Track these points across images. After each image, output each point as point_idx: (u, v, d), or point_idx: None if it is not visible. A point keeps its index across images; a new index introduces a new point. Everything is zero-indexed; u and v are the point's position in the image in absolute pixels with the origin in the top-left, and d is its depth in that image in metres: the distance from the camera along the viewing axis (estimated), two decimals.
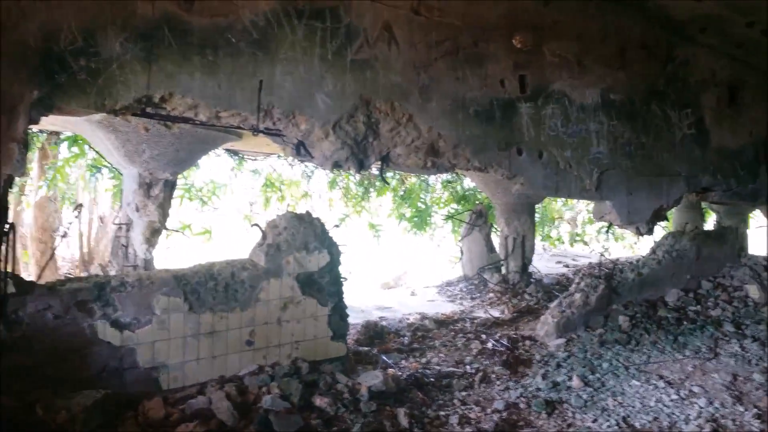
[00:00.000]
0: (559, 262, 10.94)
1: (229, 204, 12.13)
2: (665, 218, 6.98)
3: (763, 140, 7.81)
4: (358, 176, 11.30)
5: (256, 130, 4.50)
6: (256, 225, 4.71)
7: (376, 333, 5.81)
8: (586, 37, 6.08)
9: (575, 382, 4.77)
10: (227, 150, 9.46)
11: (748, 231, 8.91)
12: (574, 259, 11.31)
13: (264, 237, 4.52)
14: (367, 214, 12.44)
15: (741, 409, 4.35)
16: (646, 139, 6.52)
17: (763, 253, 8.75)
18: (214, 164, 10.53)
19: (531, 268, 9.18)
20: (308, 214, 4.68)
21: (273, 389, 3.75)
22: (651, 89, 6.63)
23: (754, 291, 7.26)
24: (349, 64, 4.72)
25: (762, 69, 7.48)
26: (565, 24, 5.94)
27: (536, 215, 11.79)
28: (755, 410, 4.32)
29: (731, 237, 8.31)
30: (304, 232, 4.52)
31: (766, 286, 7.41)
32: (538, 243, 12.76)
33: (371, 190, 11.91)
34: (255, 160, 10.86)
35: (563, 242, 14.68)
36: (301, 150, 4.69)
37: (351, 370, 4.48)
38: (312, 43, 4.54)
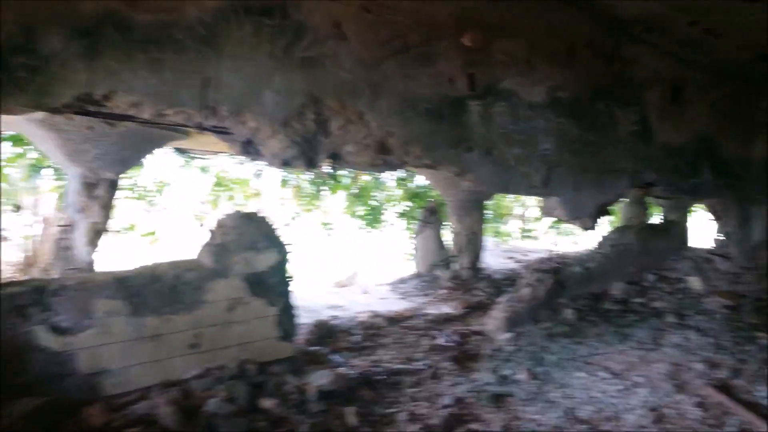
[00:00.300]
0: (510, 258, 11.05)
1: (178, 203, 11.92)
2: (609, 213, 7.14)
3: (705, 137, 8.04)
4: (310, 174, 11.23)
5: (202, 128, 4.43)
6: (204, 225, 4.65)
7: (327, 332, 5.78)
8: (534, 36, 6.14)
9: (523, 375, 4.86)
10: (176, 149, 9.29)
11: (689, 224, 9.18)
12: (524, 255, 11.44)
13: (212, 237, 4.47)
14: (319, 213, 12.39)
15: (682, 397, 4.49)
16: (592, 136, 6.64)
17: (705, 246, 9.07)
18: (162, 163, 10.27)
19: (482, 264, 9.29)
20: (256, 213, 4.65)
21: (219, 392, 3.71)
22: (597, 87, 6.73)
23: (695, 282, 7.50)
24: (298, 61, 4.66)
25: (705, 67, 7.69)
26: (513, 23, 5.99)
27: (488, 211, 11.93)
28: (696, 398, 4.47)
29: (674, 230, 8.58)
30: (252, 232, 4.49)
31: (708, 278, 7.67)
32: (490, 239, 12.93)
33: (323, 188, 11.86)
34: (204, 158, 10.69)
35: (514, 238, 14.93)
36: (250, 148, 4.64)
37: (300, 371, 4.45)
38: (260, 40, 4.47)
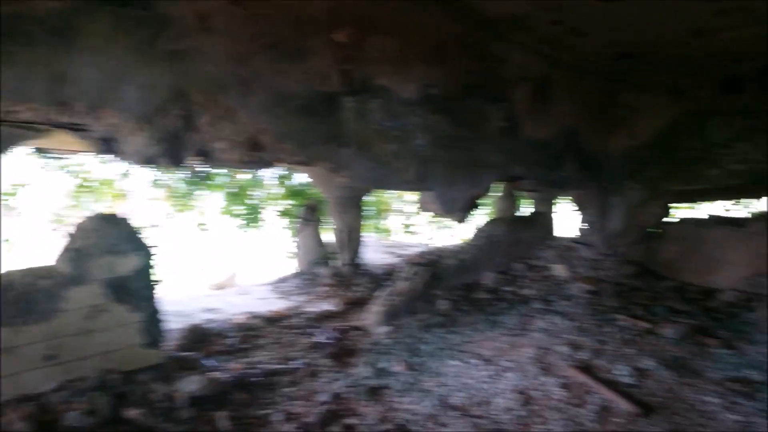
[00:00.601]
0: (391, 253, 11.22)
1: (36, 207, 11.05)
2: (478, 206, 7.37)
3: (569, 132, 8.51)
4: (184, 173, 10.81)
5: (55, 125, 4.14)
6: (61, 229, 4.36)
7: (200, 336, 5.58)
8: (407, 33, 6.21)
9: (399, 367, 4.95)
10: (35, 148, 8.61)
11: (555, 215, 9.69)
12: (404, 249, 11.64)
13: (70, 241, 4.19)
14: (195, 213, 11.94)
15: (548, 379, 4.74)
16: (463, 131, 6.83)
17: (569, 235, 9.63)
18: (18, 164, 9.39)
19: (363, 260, 9.37)
20: (118, 215, 4.40)
21: (79, 405, 3.49)
22: (468, 84, 6.92)
23: (560, 270, 7.94)
24: (162, 54, 4.45)
25: (569, 65, 8.11)
26: (386, 20, 6.03)
27: (369, 208, 12.03)
28: (560, 380, 4.73)
29: (541, 221, 9.05)
30: (113, 235, 4.25)
31: (572, 265, 8.15)
32: (371, 235, 13.07)
33: (198, 187, 11.45)
34: (66, 158, 9.98)
35: (395, 233, 15.17)
36: (109, 145, 4.38)
37: (169, 378, 4.27)
38: (120, 31, 4.22)
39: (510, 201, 9.58)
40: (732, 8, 5.77)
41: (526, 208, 10.09)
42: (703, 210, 11.44)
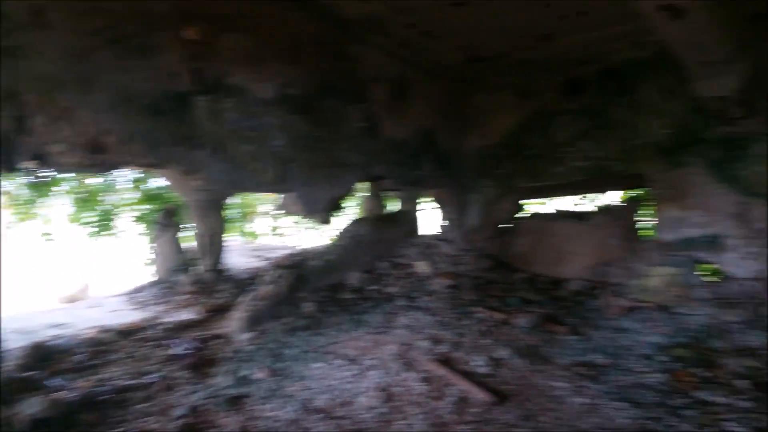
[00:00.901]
0: (258, 256, 10.97)
1: None
2: (342, 207, 7.39)
3: (426, 132, 8.75)
4: (28, 179, 9.94)
5: None
6: None
7: (44, 354, 5.13)
8: (261, 31, 6.10)
9: (261, 373, 4.84)
10: None
11: (419, 213, 9.93)
12: (271, 252, 11.44)
13: None
14: (39, 221, 10.98)
15: (409, 374, 4.84)
16: (322, 132, 6.81)
17: (432, 232, 9.92)
18: None
19: (227, 265, 9.08)
20: None
21: None
22: (326, 85, 6.90)
23: (422, 266, 8.15)
24: None
25: (424, 67, 8.34)
26: (239, 17, 5.88)
27: (234, 210, 11.71)
28: (421, 374, 4.85)
29: (405, 220, 9.25)
30: None
31: (433, 261, 8.39)
32: (237, 238, 12.76)
33: (42, 193, 10.57)
34: None
35: (263, 236, 14.87)
36: None
37: (8, 401, 3.90)
38: None
39: (376, 200, 9.68)
40: (571, 13, 6.20)
41: (393, 208, 10.23)
42: (553, 205, 12.18)
